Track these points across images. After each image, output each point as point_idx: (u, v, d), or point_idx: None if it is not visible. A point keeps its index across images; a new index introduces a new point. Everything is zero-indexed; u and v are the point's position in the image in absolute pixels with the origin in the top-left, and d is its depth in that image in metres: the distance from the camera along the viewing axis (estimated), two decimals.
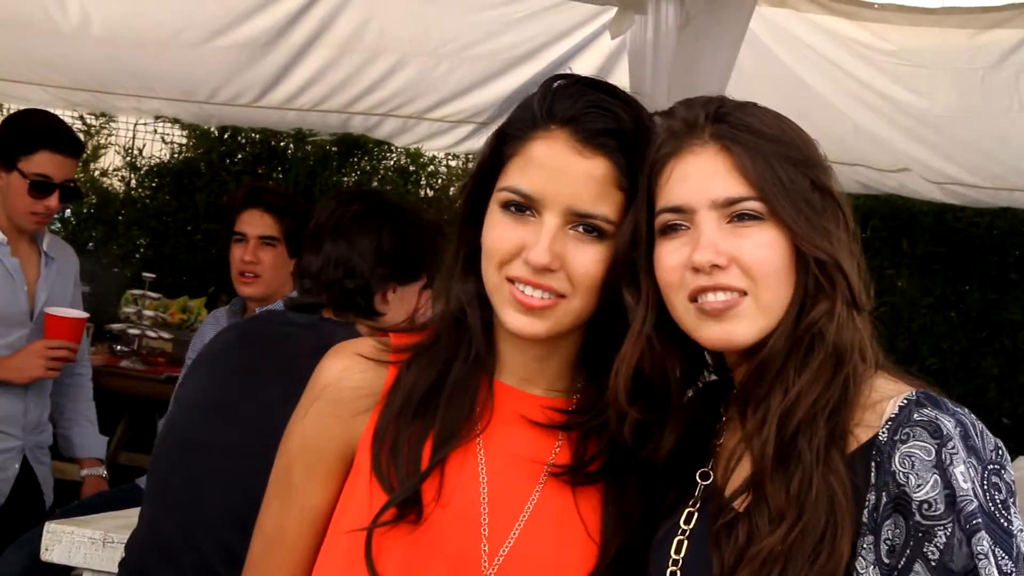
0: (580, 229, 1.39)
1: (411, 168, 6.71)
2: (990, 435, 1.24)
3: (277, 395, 2.18)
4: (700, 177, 1.34)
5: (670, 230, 1.36)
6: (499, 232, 1.41)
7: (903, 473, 1.20)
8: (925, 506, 1.18)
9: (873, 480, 1.23)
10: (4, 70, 5.19)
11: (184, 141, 6.72)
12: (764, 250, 1.31)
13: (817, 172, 1.36)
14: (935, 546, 1.17)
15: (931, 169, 4.90)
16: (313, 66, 4.91)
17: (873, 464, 1.24)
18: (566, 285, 1.40)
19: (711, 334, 1.33)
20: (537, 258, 1.37)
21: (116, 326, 5.35)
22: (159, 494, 2.27)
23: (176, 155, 6.74)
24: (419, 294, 2.51)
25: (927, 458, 1.19)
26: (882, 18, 3.97)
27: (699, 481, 1.41)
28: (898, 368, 1.36)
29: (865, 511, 1.23)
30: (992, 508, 1.18)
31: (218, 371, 2.33)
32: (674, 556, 1.37)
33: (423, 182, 6.75)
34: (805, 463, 1.25)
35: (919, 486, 1.19)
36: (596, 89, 1.43)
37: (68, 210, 6.76)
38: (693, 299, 1.33)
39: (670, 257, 1.35)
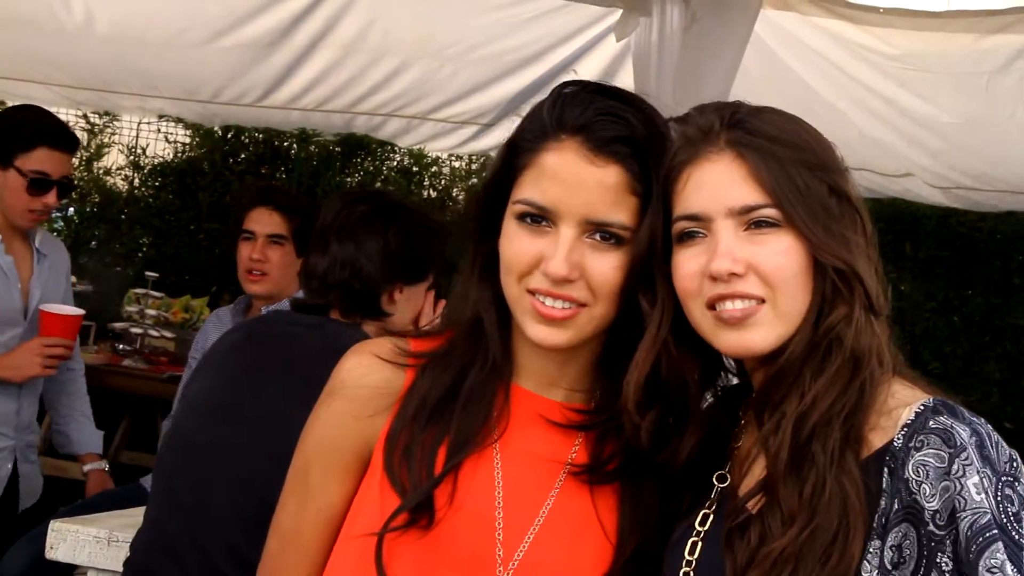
0: (597, 237, 1.39)
1: (414, 169, 6.72)
2: (1005, 446, 1.23)
3: (283, 395, 2.19)
4: (716, 185, 1.33)
5: (687, 237, 1.36)
6: (517, 245, 1.41)
7: (916, 481, 1.20)
8: (937, 516, 1.18)
9: (885, 485, 1.23)
10: (8, 68, 5.19)
11: (187, 140, 6.73)
12: (781, 257, 1.31)
13: (834, 176, 1.36)
14: (948, 557, 1.16)
15: (935, 174, 4.90)
16: (317, 67, 4.91)
17: (886, 469, 1.23)
18: (586, 294, 1.40)
19: (729, 342, 1.33)
20: (556, 270, 1.37)
21: (118, 325, 5.35)
22: (164, 494, 2.27)
23: (179, 154, 6.75)
24: (425, 294, 2.51)
25: (940, 466, 1.19)
26: (886, 22, 3.96)
27: (716, 483, 1.42)
28: (915, 374, 1.35)
29: (875, 515, 1.23)
30: (1004, 520, 1.17)
31: (225, 371, 2.34)
32: (688, 557, 1.37)
33: (426, 183, 6.76)
34: (819, 466, 1.25)
35: (932, 496, 1.18)
36: (606, 96, 1.42)
37: (71, 208, 6.77)
38: (711, 307, 1.33)
39: (687, 265, 1.35)
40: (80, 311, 3.45)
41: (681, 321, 1.38)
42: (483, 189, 1.50)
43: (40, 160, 3.38)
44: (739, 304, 1.31)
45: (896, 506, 1.21)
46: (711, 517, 1.39)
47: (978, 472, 1.18)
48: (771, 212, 1.31)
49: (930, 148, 4.62)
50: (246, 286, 3.65)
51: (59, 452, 4.00)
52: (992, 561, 1.14)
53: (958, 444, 1.20)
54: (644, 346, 1.40)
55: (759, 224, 1.31)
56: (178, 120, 6.51)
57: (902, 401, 1.28)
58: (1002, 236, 6.15)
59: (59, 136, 3.47)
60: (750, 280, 1.30)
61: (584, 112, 1.39)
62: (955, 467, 1.18)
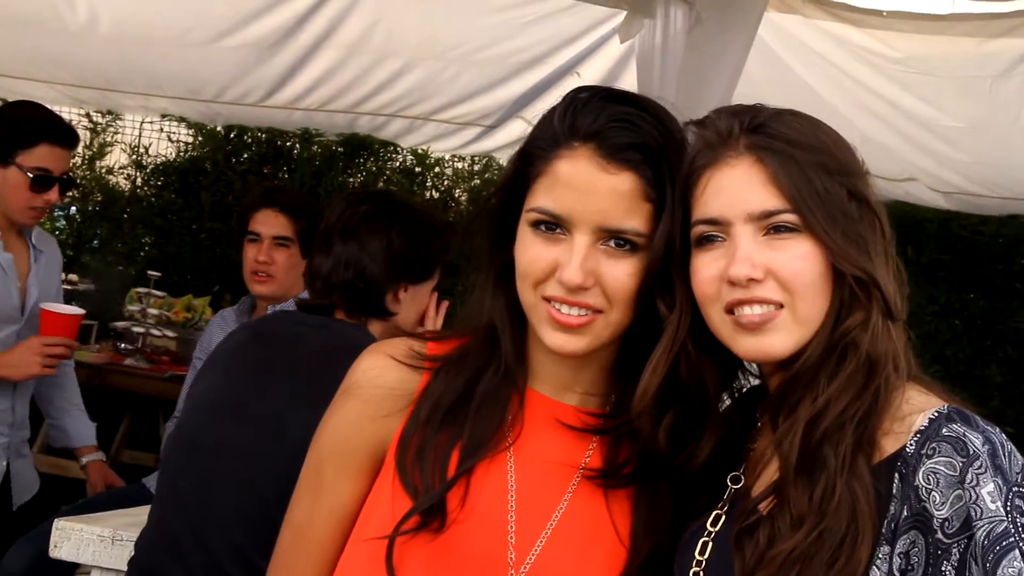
0: (612, 244, 1.39)
1: (417, 169, 6.72)
2: (1018, 455, 1.22)
3: (288, 394, 2.20)
4: (735, 189, 1.33)
5: (706, 241, 1.36)
6: (532, 253, 1.41)
7: (926, 489, 1.20)
8: (946, 524, 1.17)
9: (896, 491, 1.23)
10: (12, 67, 5.20)
11: (190, 140, 6.73)
12: (800, 262, 1.31)
13: (854, 180, 1.35)
14: (951, 566, 1.16)
15: (937, 179, 4.90)
16: (321, 67, 4.92)
17: (897, 475, 1.23)
18: (602, 300, 1.40)
19: (748, 346, 1.33)
20: (571, 277, 1.37)
21: (120, 324, 5.35)
22: (169, 493, 2.27)
23: (182, 154, 6.75)
24: (431, 293, 2.52)
25: (952, 475, 1.19)
26: (889, 25, 3.96)
27: (729, 484, 1.42)
28: (932, 380, 1.35)
29: (884, 521, 1.23)
30: (1013, 529, 1.16)
31: (230, 371, 2.34)
32: (698, 557, 1.38)
33: (429, 183, 6.76)
34: (830, 470, 1.25)
35: (942, 504, 1.18)
36: (618, 101, 1.42)
37: (73, 207, 6.77)
38: (729, 311, 1.33)
39: (706, 269, 1.35)
40: (80, 310, 3.44)
41: (699, 324, 1.38)
42: (496, 197, 1.50)
43: (42, 156, 3.37)
44: (758, 309, 1.31)
45: (906, 513, 1.21)
46: (723, 518, 1.39)
47: (992, 480, 1.17)
48: (790, 217, 1.31)
49: (933, 152, 4.62)
50: (251, 287, 3.65)
51: (55, 448, 3.98)
52: (1010, 569, 1.13)
53: (971, 453, 1.19)
54: (661, 349, 1.40)
55: (778, 229, 1.31)
56: (181, 119, 6.51)
57: (916, 407, 1.28)
58: (1004, 240, 6.15)
59: (61, 132, 3.46)
60: (769, 285, 1.30)
61: (596, 119, 1.39)
62: (969, 476, 1.18)
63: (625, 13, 3.60)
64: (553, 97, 4.49)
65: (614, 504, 1.46)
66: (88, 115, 6.54)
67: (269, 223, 3.61)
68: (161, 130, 6.75)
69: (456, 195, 6.77)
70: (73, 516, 2.61)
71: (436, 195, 6.74)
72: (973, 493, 1.17)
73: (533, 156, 1.43)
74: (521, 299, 1.44)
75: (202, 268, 6.52)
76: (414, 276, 2.44)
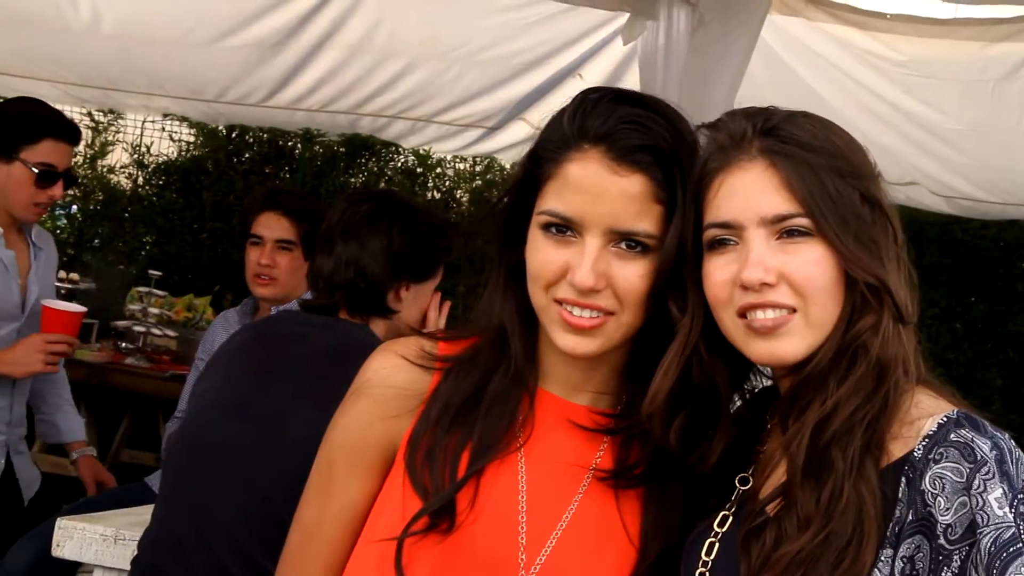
0: (623, 246, 1.39)
1: (419, 170, 6.72)
2: None
3: (292, 394, 2.20)
4: (748, 193, 1.33)
5: (718, 245, 1.35)
6: (543, 255, 1.41)
7: (932, 494, 1.19)
8: (949, 530, 1.17)
9: (902, 495, 1.23)
10: (14, 66, 5.19)
11: (192, 139, 6.73)
12: (813, 267, 1.30)
13: (867, 184, 1.35)
14: (952, 571, 1.16)
15: (939, 183, 4.90)
16: (323, 67, 4.91)
17: (904, 479, 1.23)
18: (613, 302, 1.40)
19: (760, 350, 1.33)
20: (582, 280, 1.37)
21: (121, 323, 5.35)
22: (172, 492, 2.28)
23: (184, 153, 6.75)
24: (433, 293, 2.52)
25: (958, 480, 1.19)
26: (893, 28, 3.96)
27: (737, 486, 1.42)
28: (941, 383, 1.35)
29: (889, 524, 1.22)
30: (1021, 535, 1.16)
31: (233, 370, 2.34)
32: (704, 557, 1.37)
33: (430, 184, 6.76)
34: (838, 472, 1.25)
35: (946, 509, 1.18)
36: (628, 103, 1.41)
37: (75, 206, 6.78)
38: (742, 315, 1.32)
39: (719, 273, 1.35)
40: (82, 308, 3.43)
41: (710, 326, 1.38)
42: (506, 199, 1.50)
43: (46, 152, 3.36)
44: (770, 313, 1.30)
45: (911, 517, 1.21)
46: (730, 519, 1.39)
47: (999, 486, 1.17)
48: (803, 221, 1.31)
49: (935, 155, 4.62)
50: (254, 290, 3.64)
51: (56, 446, 3.98)
52: None
53: (978, 459, 1.19)
54: (673, 352, 1.40)
55: (791, 233, 1.31)
56: (183, 119, 6.51)
57: (925, 411, 1.28)
58: (1005, 244, 6.16)
59: (64, 128, 3.46)
60: (781, 290, 1.30)
61: (606, 121, 1.38)
62: (976, 482, 1.18)
63: (628, 15, 3.60)
64: (555, 98, 4.50)
65: (624, 504, 1.46)
66: (90, 114, 6.55)
67: (272, 226, 3.60)
68: (163, 129, 6.75)
69: (458, 196, 6.77)
70: (76, 515, 2.61)
71: (438, 196, 6.74)
72: (980, 499, 1.16)
73: (543, 158, 1.43)
74: (532, 301, 1.44)
75: (203, 268, 6.53)
76: (415, 275, 2.44)
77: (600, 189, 1.37)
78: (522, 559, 1.41)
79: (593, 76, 4.64)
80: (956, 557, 1.16)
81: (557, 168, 1.40)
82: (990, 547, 1.15)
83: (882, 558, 1.21)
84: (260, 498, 2.12)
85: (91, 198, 6.77)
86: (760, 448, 1.43)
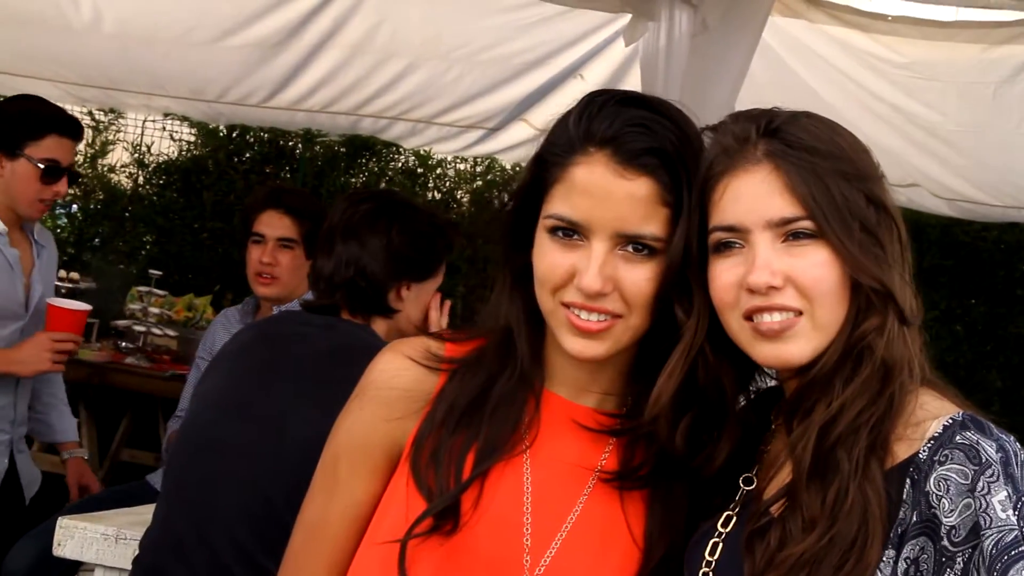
0: (629, 249, 1.39)
1: (419, 170, 6.72)
2: None
3: (293, 394, 2.20)
4: (754, 197, 1.33)
5: (724, 248, 1.35)
6: (550, 259, 1.41)
7: (936, 496, 1.20)
8: (953, 532, 1.17)
9: (906, 496, 1.23)
10: (15, 65, 5.19)
11: (192, 139, 6.73)
12: (819, 269, 1.30)
13: (871, 185, 1.35)
14: (955, 573, 1.16)
15: (940, 184, 4.90)
16: (324, 67, 4.91)
17: (909, 481, 1.23)
18: (621, 305, 1.40)
19: (767, 353, 1.33)
20: (589, 284, 1.37)
21: (121, 323, 5.35)
22: (174, 492, 2.28)
23: (184, 153, 6.75)
24: (435, 291, 2.52)
25: (963, 482, 1.19)
26: (895, 31, 3.96)
27: (742, 486, 1.42)
28: (945, 384, 1.35)
29: (893, 525, 1.22)
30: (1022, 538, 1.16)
31: (235, 370, 2.35)
32: (708, 558, 1.38)
33: (431, 184, 6.76)
34: (843, 473, 1.25)
35: (951, 511, 1.18)
36: (634, 105, 1.41)
37: (75, 206, 6.77)
38: (748, 318, 1.32)
39: (725, 276, 1.34)
40: (88, 306, 3.44)
41: (715, 327, 1.38)
42: (512, 203, 1.50)
43: (51, 148, 3.37)
44: (777, 316, 1.30)
45: (915, 518, 1.21)
46: (734, 519, 1.39)
47: (1004, 489, 1.17)
48: (808, 224, 1.31)
49: (936, 156, 4.62)
50: (255, 288, 3.64)
51: (37, 440, 3.99)
52: None
53: (983, 461, 1.19)
54: (678, 355, 1.40)
55: (797, 236, 1.31)
56: (183, 118, 6.51)
57: (930, 413, 1.28)
58: (1006, 246, 6.16)
59: (68, 123, 3.48)
60: (788, 293, 1.30)
61: (612, 124, 1.38)
62: (980, 484, 1.18)
63: (630, 16, 3.59)
64: (556, 99, 4.51)
65: (629, 506, 1.46)
66: (91, 113, 6.54)
67: (274, 224, 3.60)
68: (163, 129, 6.75)
69: (458, 196, 6.77)
70: (77, 514, 2.61)
71: (438, 196, 6.74)
72: (983, 502, 1.17)
73: (549, 162, 1.43)
74: (540, 304, 1.44)
75: (203, 267, 6.53)
76: (416, 274, 2.44)
77: (606, 193, 1.37)
78: (527, 561, 1.41)
79: (594, 77, 4.64)
80: (959, 559, 1.16)
81: (563, 172, 1.40)
82: (992, 549, 1.15)
83: (883, 559, 1.21)
84: (261, 498, 2.12)
85: (91, 197, 6.77)
86: (764, 448, 1.43)
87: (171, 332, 5.36)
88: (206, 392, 2.38)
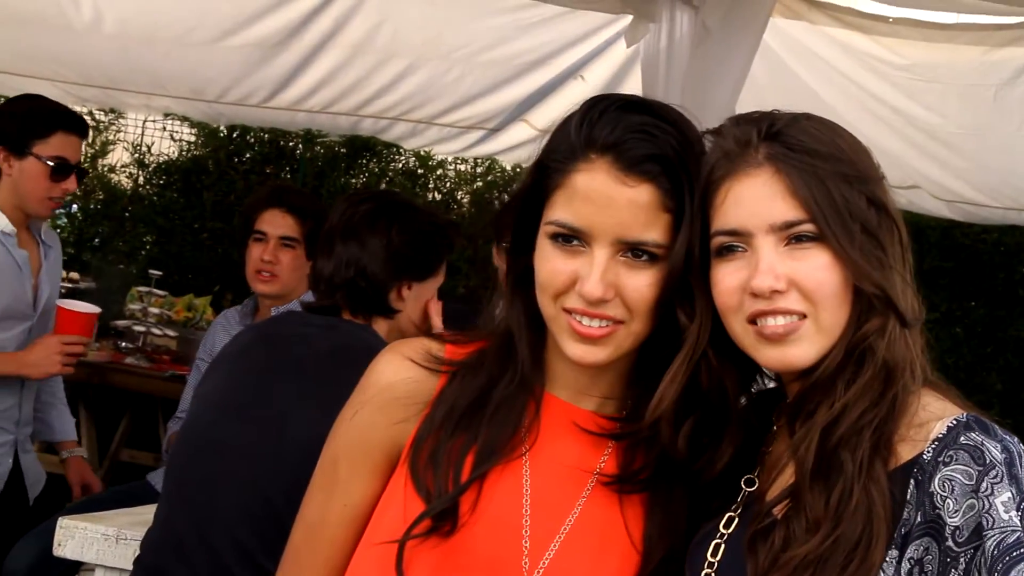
0: (630, 255, 1.39)
1: (420, 171, 6.72)
2: None
3: (295, 395, 2.20)
4: (756, 201, 1.33)
5: (726, 252, 1.35)
6: (551, 265, 1.41)
7: (941, 496, 1.20)
8: (957, 533, 1.17)
9: (910, 497, 1.23)
10: (15, 65, 5.19)
11: (192, 139, 6.73)
12: (822, 273, 1.31)
13: (872, 187, 1.35)
14: (958, 573, 1.16)
15: (940, 186, 4.90)
16: (325, 68, 4.91)
17: (913, 482, 1.23)
18: (622, 311, 1.40)
19: (771, 357, 1.33)
20: (591, 291, 1.37)
21: (121, 323, 5.35)
22: (175, 492, 2.28)
23: (184, 153, 6.75)
24: (435, 290, 2.52)
25: (967, 483, 1.19)
26: (896, 33, 3.96)
27: (743, 487, 1.42)
28: (946, 384, 1.35)
29: (897, 526, 1.23)
30: None
31: (236, 371, 2.35)
32: (710, 559, 1.37)
33: (431, 185, 6.76)
34: (847, 474, 1.25)
35: (955, 512, 1.18)
36: (635, 111, 1.41)
37: (75, 206, 6.77)
38: (752, 321, 1.32)
39: (728, 280, 1.34)
40: (97, 309, 3.46)
41: (718, 330, 1.38)
42: (513, 208, 1.50)
43: (59, 145, 3.38)
44: (781, 320, 1.31)
45: (919, 519, 1.21)
46: (736, 520, 1.39)
47: (1007, 490, 1.17)
48: (811, 227, 1.31)
49: (937, 158, 4.62)
50: (255, 286, 3.64)
51: (35, 439, 3.99)
52: None
53: (987, 462, 1.19)
54: (681, 359, 1.40)
55: (799, 239, 1.31)
56: (183, 118, 6.51)
57: (934, 414, 1.28)
58: (1006, 248, 6.16)
59: (74, 121, 3.50)
60: (792, 296, 1.30)
61: (613, 130, 1.38)
62: (983, 485, 1.18)
63: (632, 17, 3.59)
64: (557, 100, 4.49)
65: (628, 509, 1.46)
66: (91, 113, 6.53)
67: (276, 223, 3.60)
68: (164, 129, 6.75)
69: (459, 197, 6.77)
70: (77, 514, 2.61)
71: (438, 197, 6.74)
72: (986, 502, 1.17)
73: (550, 168, 1.42)
74: (541, 309, 1.44)
75: (203, 268, 6.52)
76: (416, 274, 2.44)
77: (608, 199, 1.37)
78: (525, 563, 1.41)
79: (595, 78, 4.64)
80: (962, 559, 1.16)
81: (565, 178, 1.40)
82: (994, 550, 1.15)
83: (887, 559, 1.21)
84: (261, 498, 2.12)
85: (91, 197, 6.77)
86: (766, 450, 1.44)
87: (171, 332, 5.36)
88: (207, 393, 2.38)
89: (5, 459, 3.45)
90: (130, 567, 2.34)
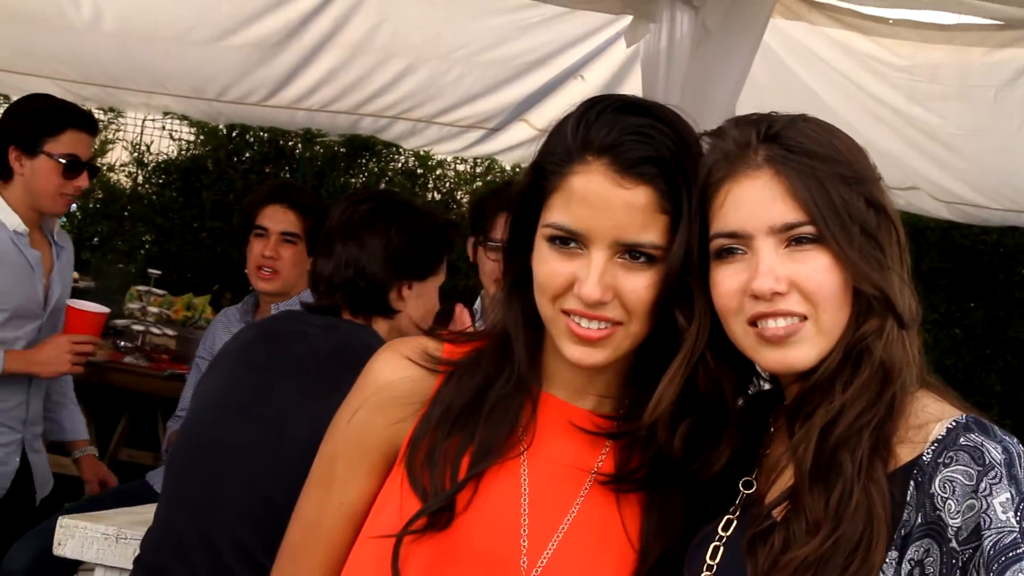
0: (628, 257, 1.39)
1: (419, 171, 6.72)
2: None
3: (295, 393, 2.20)
4: (756, 203, 1.33)
5: (726, 254, 1.35)
6: (549, 267, 1.41)
7: (942, 498, 1.20)
8: (959, 534, 1.17)
9: (910, 498, 1.23)
10: (15, 63, 5.19)
11: (192, 138, 6.73)
12: (822, 274, 1.31)
13: (871, 188, 1.35)
14: (959, 574, 1.16)
15: (940, 188, 4.90)
16: (324, 67, 4.90)
17: (913, 483, 1.23)
18: (621, 312, 1.40)
19: (772, 359, 1.33)
20: (589, 293, 1.37)
21: (120, 322, 5.34)
22: (175, 491, 2.28)
23: (184, 152, 6.75)
24: (436, 290, 2.52)
25: (968, 484, 1.19)
26: (896, 34, 3.96)
27: (741, 489, 1.42)
28: (943, 385, 1.36)
29: (897, 527, 1.23)
30: (1022, 540, 1.16)
31: (237, 369, 2.34)
32: (709, 562, 1.37)
33: (431, 185, 6.76)
34: (847, 476, 1.25)
35: (956, 513, 1.18)
36: (632, 112, 1.40)
37: (74, 205, 6.76)
38: (752, 323, 1.32)
39: (728, 282, 1.34)
40: (106, 309, 3.48)
41: (716, 332, 1.38)
42: (510, 210, 1.50)
43: (70, 143, 3.41)
44: (782, 322, 1.30)
45: (919, 520, 1.21)
46: (734, 523, 1.39)
47: (1006, 490, 1.17)
48: (810, 229, 1.31)
49: (937, 159, 4.62)
50: (255, 282, 3.63)
51: (54, 445, 4.01)
52: None
53: (987, 462, 1.19)
54: (679, 361, 1.40)
55: (799, 241, 1.31)
56: (183, 117, 6.50)
57: (933, 415, 1.28)
58: (1005, 250, 6.16)
59: (84, 118, 3.52)
60: (792, 298, 1.30)
61: (610, 132, 1.38)
62: (983, 485, 1.18)
63: (631, 17, 3.59)
64: (557, 100, 4.48)
65: (626, 508, 1.46)
66: (90, 112, 6.52)
67: (278, 219, 3.60)
68: (163, 128, 6.75)
69: (458, 197, 6.77)
70: (77, 514, 2.61)
71: (438, 197, 6.74)
72: (985, 502, 1.17)
73: (547, 171, 1.42)
74: (539, 311, 1.44)
75: (202, 267, 6.52)
76: (416, 273, 2.44)
77: (605, 202, 1.37)
78: (523, 562, 1.41)
79: (595, 78, 4.63)
80: (962, 560, 1.16)
81: (562, 180, 1.40)
82: (991, 550, 1.15)
83: (887, 560, 1.21)
84: (262, 498, 2.12)
85: (91, 196, 6.76)
86: (763, 452, 1.44)
87: (170, 331, 5.36)
88: (207, 392, 2.38)
89: (12, 458, 3.46)
90: (130, 566, 2.34)
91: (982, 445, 1.21)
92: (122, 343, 5.23)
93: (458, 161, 6.70)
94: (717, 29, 3.26)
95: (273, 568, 1.62)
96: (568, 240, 1.39)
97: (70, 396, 3.83)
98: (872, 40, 3.98)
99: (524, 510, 1.44)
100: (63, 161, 3.37)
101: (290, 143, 6.65)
